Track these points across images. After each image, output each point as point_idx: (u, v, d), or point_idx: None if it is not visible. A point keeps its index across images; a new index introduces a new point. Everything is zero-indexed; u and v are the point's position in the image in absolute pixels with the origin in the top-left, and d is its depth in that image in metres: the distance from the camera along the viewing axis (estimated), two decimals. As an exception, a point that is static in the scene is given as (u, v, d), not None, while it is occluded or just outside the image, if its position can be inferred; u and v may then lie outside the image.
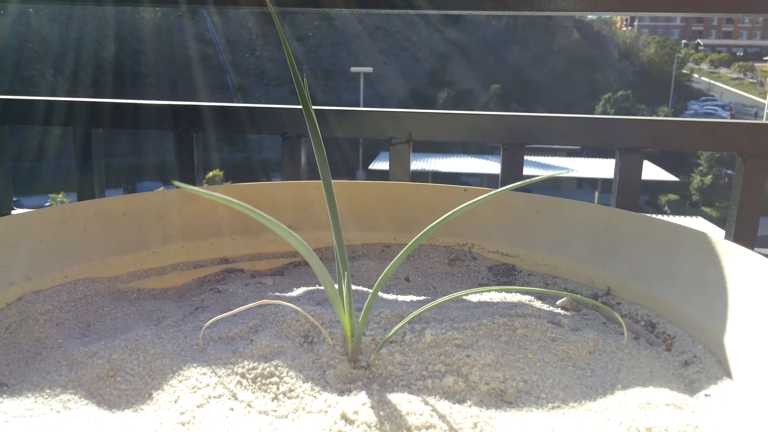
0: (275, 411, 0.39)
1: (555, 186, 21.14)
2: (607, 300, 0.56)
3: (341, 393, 0.41)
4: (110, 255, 0.60)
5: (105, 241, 0.60)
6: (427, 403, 0.39)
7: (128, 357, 0.45)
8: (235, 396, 0.41)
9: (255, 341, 0.46)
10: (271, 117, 0.97)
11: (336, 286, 0.43)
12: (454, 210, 0.41)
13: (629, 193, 0.92)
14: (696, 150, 0.95)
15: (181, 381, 0.42)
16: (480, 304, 0.54)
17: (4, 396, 0.41)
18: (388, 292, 0.58)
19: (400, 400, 0.39)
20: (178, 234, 0.64)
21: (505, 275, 0.63)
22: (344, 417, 0.37)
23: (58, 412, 0.40)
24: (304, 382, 0.41)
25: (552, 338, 0.47)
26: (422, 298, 0.57)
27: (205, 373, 0.42)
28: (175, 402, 0.40)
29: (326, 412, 0.38)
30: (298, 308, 0.47)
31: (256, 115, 0.98)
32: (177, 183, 0.31)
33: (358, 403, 0.38)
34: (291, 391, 0.41)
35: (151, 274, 0.62)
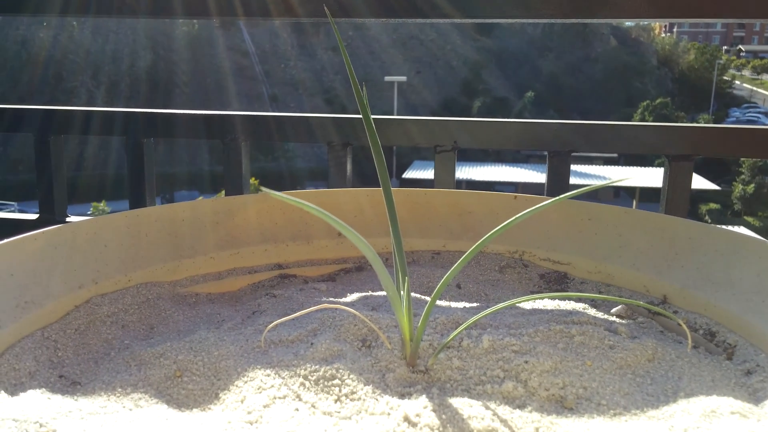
0: (339, 412, 0.40)
1: (591, 195, 20.88)
2: (663, 309, 0.55)
3: (402, 396, 0.41)
4: (170, 260, 0.62)
5: (165, 246, 0.62)
6: (487, 408, 0.39)
7: (193, 358, 0.47)
8: (299, 397, 0.42)
9: (315, 344, 0.47)
10: (318, 126, 0.99)
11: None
12: (514, 218, 0.42)
13: (678, 201, 0.91)
14: (748, 158, 0.93)
15: (246, 382, 0.44)
16: (534, 311, 0.54)
17: (78, 395, 0.43)
18: (440, 299, 0.58)
19: (461, 404, 0.39)
20: (234, 240, 0.66)
21: (557, 283, 0.62)
22: (407, 419, 0.38)
23: (131, 410, 0.41)
24: (365, 385, 0.42)
25: (610, 346, 0.47)
26: (475, 304, 0.57)
27: (269, 375, 0.44)
28: (242, 402, 0.42)
29: (389, 414, 0.39)
30: (357, 313, 0.48)
31: (303, 125, 0.99)
32: (265, 189, 0.32)
33: (420, 406, 0.39)
34: (353, 393, 0.42)
35: (208, 279, 0.64)
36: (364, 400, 0.41)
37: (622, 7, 0.80)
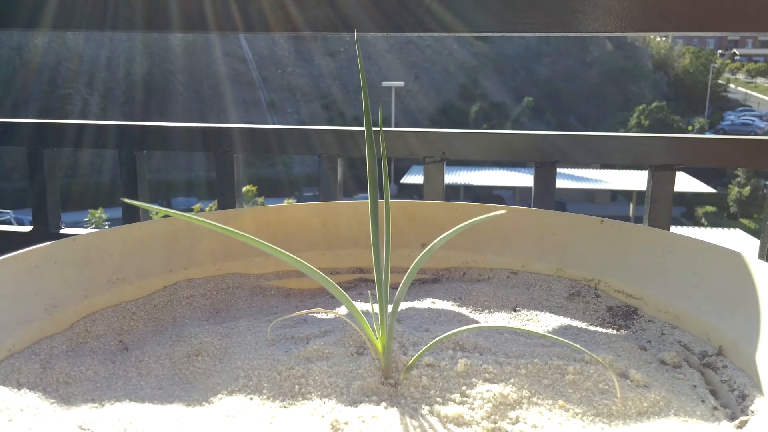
0: (284, 408, 0.42)
1: (589, 199, 20.93)
2: (714, 361, 0.50)
3: (352, 404, 0.42)
4: (260, 255, 0.67)
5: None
6: (416, 428, 0.39)
7: (216, 342, 0.51)
8: (261, 389, 0.44)
9: (309, 344, 0.49)
10: (309, 138, 1.00)
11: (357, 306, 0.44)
12: (447, 233, 0.43)
13: (661, 210, 0.92)
14: (731, 167, 0.95)
15: (234, 368, 0.47)
16: (555, 342, 0.51)
17: (118, 358, 0.51)
18: (489, 320, 0.58)
19: (393, 420, 0.40)
20: (320, 243, 0.70)
21: (623, 318, 0.58)
22: (333, 425, 0.39)
23: (143, 376, 0.48)
24: (325, 388, 0.44)
25: (602, 390, 0.44)
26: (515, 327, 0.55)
27: (253, 366, 0.47)
28: (218, 385, 0.45)
29: (323, 417, 0.40)
30: (348, 320, 0.49)
31: (294, 137, 1.01)
32: (126, 200, 0.36)
33: (355, 415, 0.40)
34: (309, 393, 0.43)
35: (291, 276, 0.68)
36: (313, 401, 0.43)
37: (605, 21, 0.82)
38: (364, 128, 1.00)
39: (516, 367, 0.46)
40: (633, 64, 38.44)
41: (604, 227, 0.63)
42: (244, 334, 0.53)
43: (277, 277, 0.67)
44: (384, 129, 1.00)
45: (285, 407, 0.42)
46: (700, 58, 39.47)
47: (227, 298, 0.63)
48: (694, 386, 0.48)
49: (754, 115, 35.21)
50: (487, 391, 0.43)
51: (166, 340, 0.53)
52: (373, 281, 0.68)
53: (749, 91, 43.29)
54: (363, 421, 0.39)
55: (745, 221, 20.86)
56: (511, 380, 0.44)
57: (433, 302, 0.61)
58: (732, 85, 43.81)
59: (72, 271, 0.57)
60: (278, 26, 0.91)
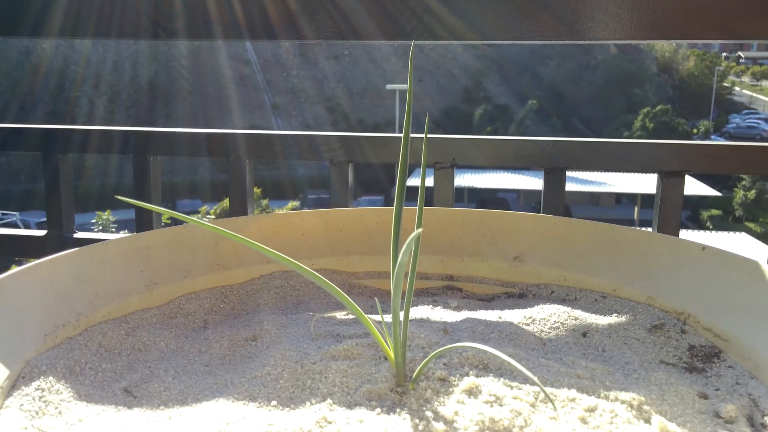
0: (290, 399, 0.43)
1: (593, 201, 20.89)
2: None
3: (350, 406, 0.42)
4: (353, 254, 0.69)
5: (355, 242, 0.70)
6: None
7: (273, 330, 0.54)
8: (279, 379, 0.46)
9: (341, 343, 0.49)
10: (321, 144, 1.01)
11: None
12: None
13: (670, 215, 0.93)
14: (738, 174, 0.96)
15: (270, 356, 0.49)
16: (607, 372, 0.48)
17: (195, 334, 0.56)
18: (551, 340, 0.55)
19: (377, 428, 0.39)
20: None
21: (703, 360, 0.52)
22: (318, 422, 0.39)
23: (201, 353, 0.52)
24: (333, 387, 0.44)
25: None
26: (568, 353, 0.53)
27: (285, 357, 0.48)
28: (249, 369, 0.47)
29: (315, 413, 0.41)
30: (371, 325, 0.50)
31: (305, 143, 1.02)
32: (118, 197, 0.41)
33: (343, 417, 0.40)
34: (317, 389, 0.44)
35: (382, 276, 0.69)
36: (316, 396, 0.43)
37: (614, 28, 0.83)
38: (370, 134, 1.00)
39: (526, 393, 0.43)
40: (637, 67, 38.36)
41: (705, 255, 0.58)
42: (301, 326, 0.55)
43: (368, 277, 0.69)
44: (394, 135, 1.01)
45: (290, 399, 0.43)
46: (704, 61, 39.39)
47: (313, 291, 0.66)
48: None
49: (759, 118, 35.11)
50: (479, 413, 0.40)
51: (238, 324, 0.56)
52: (460, 290, 0.69)
53: (754, 94, 43.14)
54: (347, 423, 0.39)
55: (751, 225, 20.79)
56: (512, 406, 0.41)
57: (500, 317, 0.58)
58: (737, 88, 43.67)
59: (178, 254, 0.63)
60: (285, 35, 0.92)
